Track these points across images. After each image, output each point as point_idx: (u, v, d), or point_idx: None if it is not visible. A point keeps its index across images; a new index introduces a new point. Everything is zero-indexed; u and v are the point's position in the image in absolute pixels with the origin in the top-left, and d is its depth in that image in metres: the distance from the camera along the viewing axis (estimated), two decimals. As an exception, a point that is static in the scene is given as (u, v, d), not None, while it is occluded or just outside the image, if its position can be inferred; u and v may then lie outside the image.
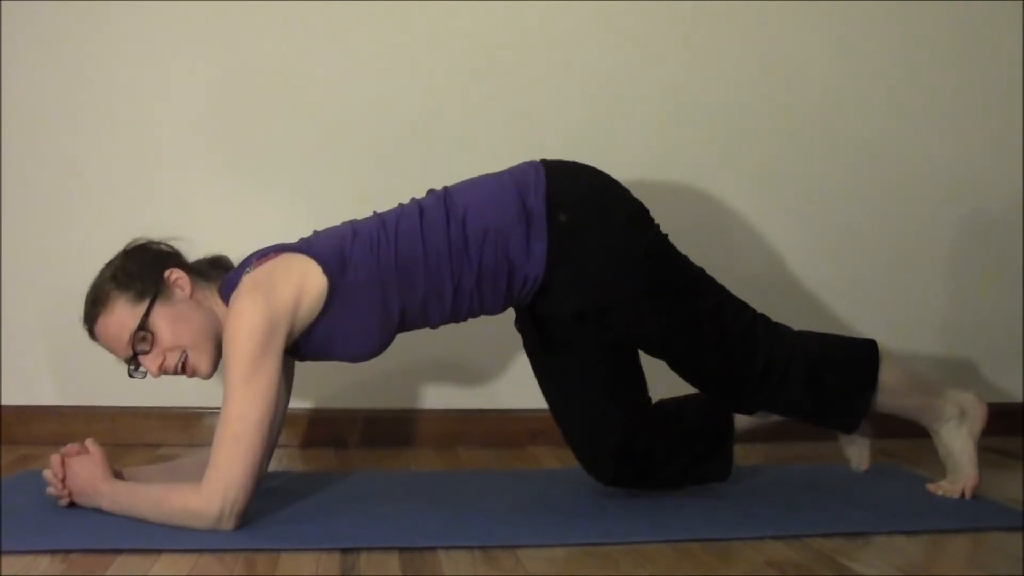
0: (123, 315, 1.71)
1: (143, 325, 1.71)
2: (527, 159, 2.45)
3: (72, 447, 1.73)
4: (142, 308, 1.71)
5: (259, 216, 2.40)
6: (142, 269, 1.75)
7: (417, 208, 1.80)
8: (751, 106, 2.59)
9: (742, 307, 1.86)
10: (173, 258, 1.81)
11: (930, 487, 1.96)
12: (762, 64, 2.59)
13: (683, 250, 1.85)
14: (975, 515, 1.81)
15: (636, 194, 1.85)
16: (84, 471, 1.70)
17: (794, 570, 1.48)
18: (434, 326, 1.83)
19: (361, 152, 2.45)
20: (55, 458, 1.71)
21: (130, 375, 1.76)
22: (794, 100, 2.61)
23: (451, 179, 2.43)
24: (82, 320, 1.76)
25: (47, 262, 2.33)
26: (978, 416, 1.93)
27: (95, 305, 1.73)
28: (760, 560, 1.53)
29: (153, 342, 1.72)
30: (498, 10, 2.48)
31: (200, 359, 1.75)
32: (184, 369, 1.75)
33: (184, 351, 1.73)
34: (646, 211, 1.86)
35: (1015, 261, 2.72)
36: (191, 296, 1.76)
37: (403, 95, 2.46)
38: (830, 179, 2.64)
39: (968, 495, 1.90)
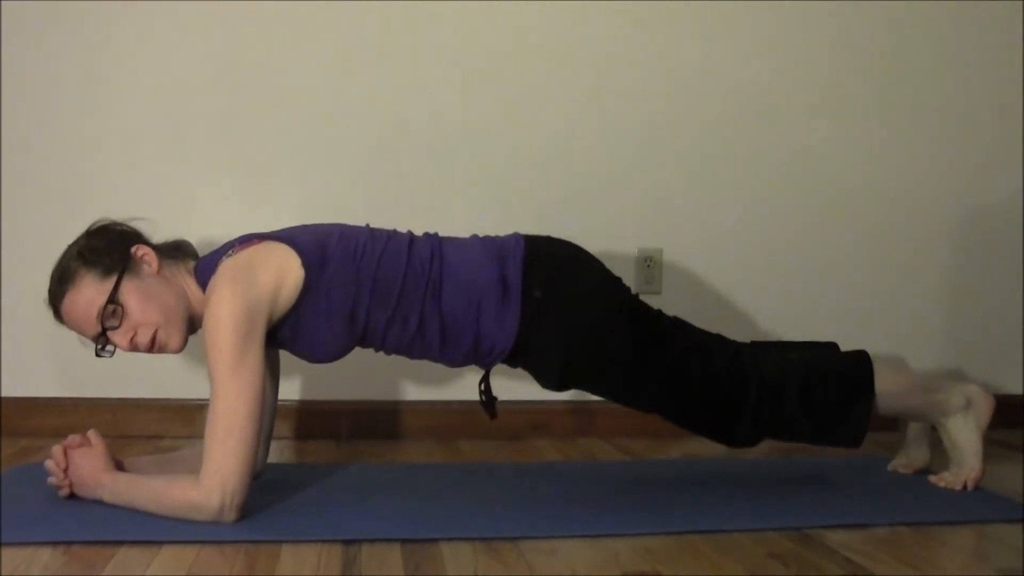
0: (91, 291, 1.70)
1: (113, 299, 1.69)
2: (525, 158, 2.49)
3: (75, 438, 1.72)
4: (110, 283, 1.70)
5: (252, 211, 2.41)
6: (108, 246, 1.74)
7: (408, 237, 1.83)
8: (735, 98, 2.59)
9: (722, 343, 1.86)
10: (137, 237, 1.80)
11: (932, 479, 1.96)
12: (756, 66, 2.60)
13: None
14: (976, 507, 1.81)
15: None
16: (86, 463, 1.70)
17: (796, 562, 1.48)
18: (387, 352, 1.84)
19: (354, 150, 2.45)
20: (57, 448, 1.71)
21: (97, 354, 1.74)
22: (791, 97, 2.61)
23: (448, 178, 2.45)
24: (47, 299, 1.74)
25: (47, 254, 2.30)
26: (984, 407, 1.93)
27: (62, 283, 1.72)
28: (762, 552, 1.53)
29: (123, 317, 1.70)
30: (499, 11, 2.48)
31: (170, 334, 1.74)
32: (153, 345, 1.73)
33: (155, 327, 1.72)
34: (617, 280, 1.88)
35: (1015, 253, 2.72)
36: (158, 272, 1.76)
37: (401, 93, 2.46)
38: (830, 179, 2.64)
39: (971, 487, 1.90)
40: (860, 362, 1.88)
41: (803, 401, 1.82)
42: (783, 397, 1.81)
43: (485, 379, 1.91)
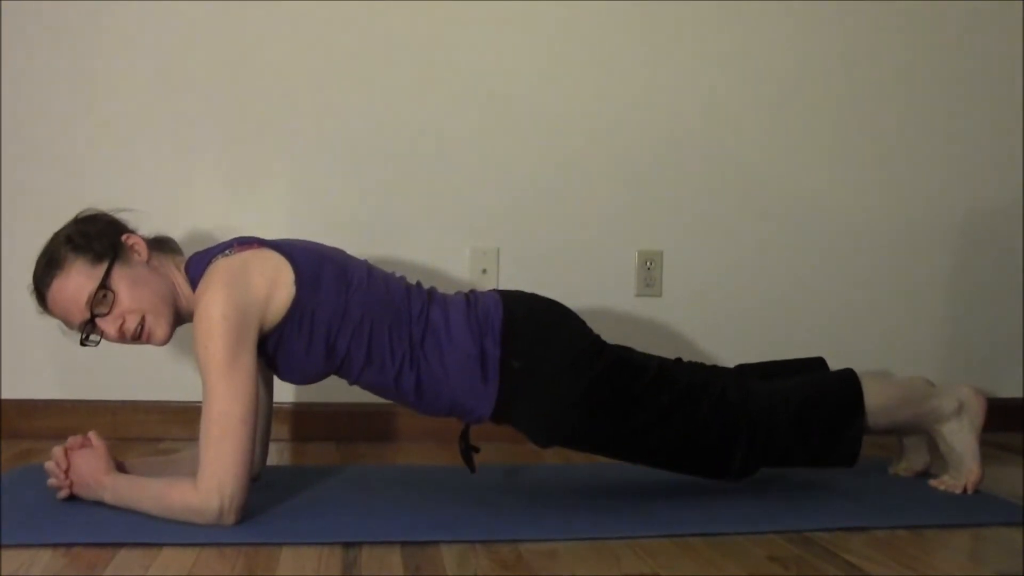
0: (81, 277, 1.67)
1: (104, 284, 1.67)
2: (525, 158, 2.49)
3: (76, 439, 1.72)
4: (101, 269, 1.68)
5: (244, 210, 2.41)
6: (98, 232, 1.72)
7: (403, 287, 1.81)
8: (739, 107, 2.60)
9: (708, 382, 1.82)
10: (124, 227, 1.78)
11: (932, 482, 1.96)
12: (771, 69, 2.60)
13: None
14: (976, 510, 1.81)
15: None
16: (87, 464, 1.69)
17: (796, 565, 1.48)
18: (362, 387, 1.82)
19: (348, 151, 2.45)
20: (58, 449, 1.71)
21: (82, 343, 1.71)
22: (792, 102, 2.62)
23: (444, 181, 2.45)
24: (32, 285, 1.72)
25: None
26: (977, 408, 1.93)
27: (50, 268, 1.69)
28: (762, 555, 1.53)
29: (113, 303, 1.68)
30: (499, 17, 2.49)
31: (158, 323, 1.71)
32: (140, 334, 1.71)
33: (143, 315, 1.70)
34: (597, 340, 1.86)
35: (1014, 255, 2.72)
36: (147, 262, 1.74)
37: (398, 96, 2.46)
38: (830, 183, 2.65)
39: (971, 490, 1.90)
40: (848, 383, 1.87)
41: (795, 433, 1.82)
42: (774, 433, 1.80)
43: (465, 432, 1.90)
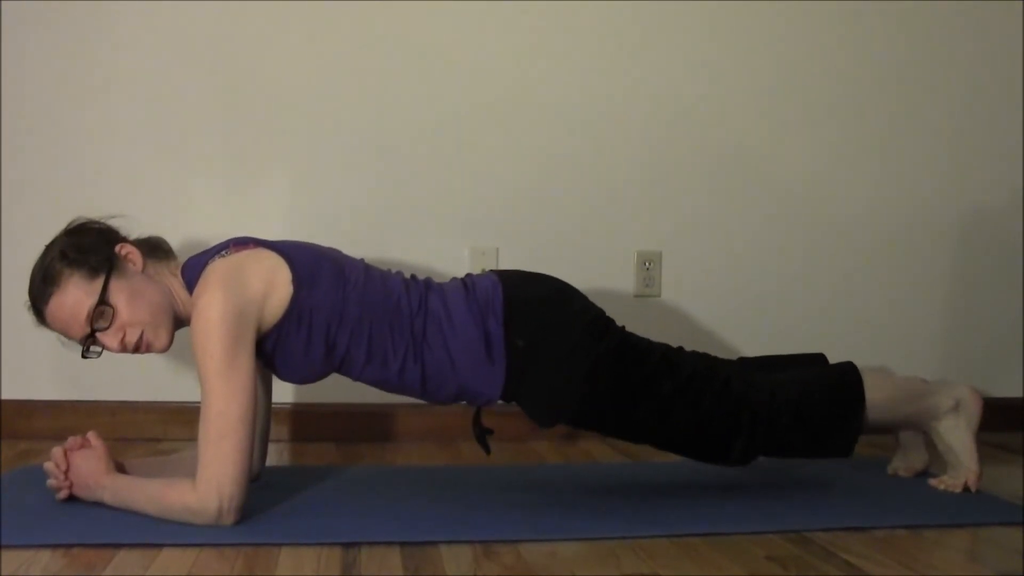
0: (79, 292, 1.66)
1: (103, 300, 1.66)
2: (524, 158, 2.48)
3: (75, 440, 1.72)
4: (98, 284, 1.67)
5: (242, 212, 2.41)
6: (92, 245, 1.71)
7: (400, 282, 1.81)
8: (743, 101, 2.60)
9: (711, 371, 1.83)
10: (116, 235, 1.77)
11: (932, 482, 1.96)
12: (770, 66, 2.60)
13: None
14: (975, 510, 1.81)
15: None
16: (87, 465, 1.69)
17: (795, 564, 1.48)
18: (365, 383, 1.82)
19: (347, 152, 2.45)
20: (58, 450, 1.71)
21: (84, 356, 1.71)
22: (791, 104, 2.62)
23: (444, 182, 2.45)
24: (29, 302, 1.71)
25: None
26: (974, 407, 1.93)
27: (46, 284, 1.67)
28: (761, 554, 1.53)
29: (113, 317, 1.67)
30: (501, 16, 2.48)
31: (158, 334, 1.71)
32: (140, 346, 1.70)
33: (143, 326, 1.69)
34: (601, 316, 1.86)
35: (1014, 255, 2.72)
36: (143, 271, 1.73)
37: (397, 97, 2.46)
38: (829, 184, 2.64)
39: (972, 488, 1.90)
40: (849, 377, 1.88)
41: (795, 423, 1.82)
42: (775, 422, 1.81)
43: (476, 415, 1.90)
